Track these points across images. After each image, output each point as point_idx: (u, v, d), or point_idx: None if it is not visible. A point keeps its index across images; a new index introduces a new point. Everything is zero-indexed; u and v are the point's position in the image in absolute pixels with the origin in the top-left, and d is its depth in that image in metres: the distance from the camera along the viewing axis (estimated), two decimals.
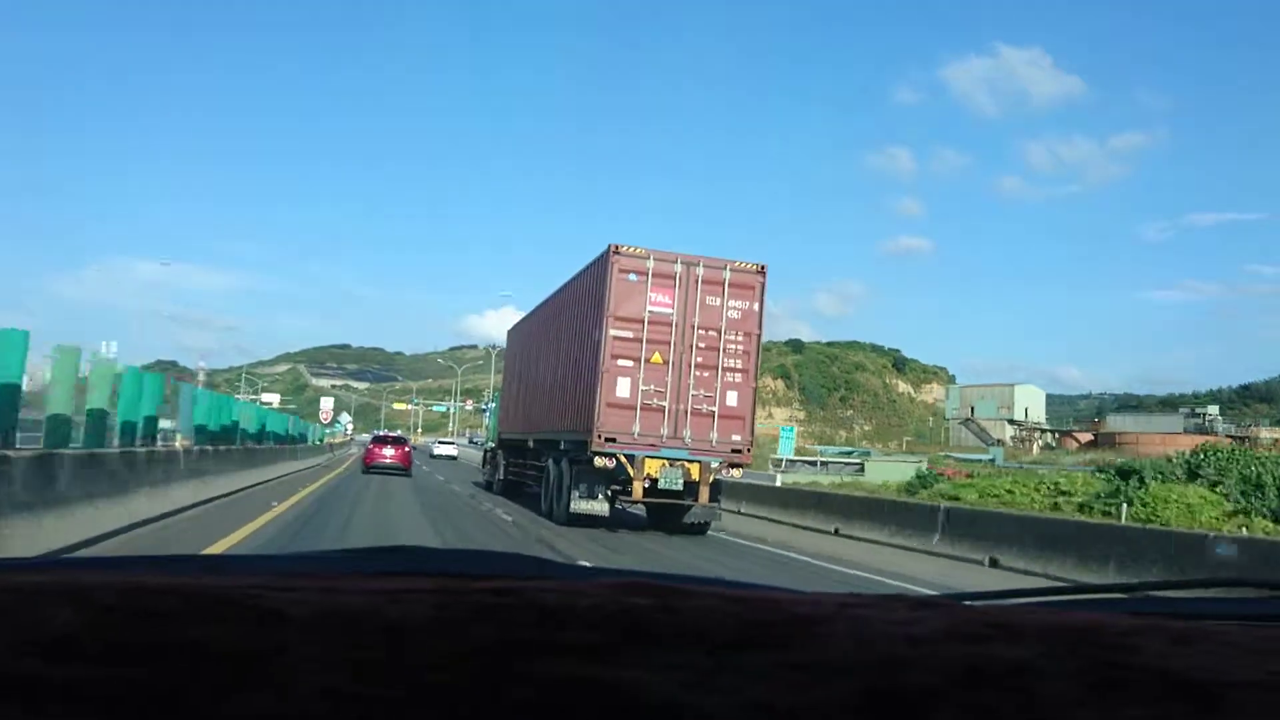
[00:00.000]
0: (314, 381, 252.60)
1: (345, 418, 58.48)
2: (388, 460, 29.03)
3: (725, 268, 14.56)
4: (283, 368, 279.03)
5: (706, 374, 14.37)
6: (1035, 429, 73.13)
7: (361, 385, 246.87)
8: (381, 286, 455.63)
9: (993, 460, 44.44)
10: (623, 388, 14.14)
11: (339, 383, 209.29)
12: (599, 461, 14.04)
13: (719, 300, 14.47)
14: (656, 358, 14.25)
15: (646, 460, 14.08)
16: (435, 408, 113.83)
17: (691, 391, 14.28)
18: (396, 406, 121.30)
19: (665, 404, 14.20)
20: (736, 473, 14.76)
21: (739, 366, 14.48)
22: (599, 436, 13.94)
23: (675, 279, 14.39)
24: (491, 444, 25.54)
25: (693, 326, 14.35)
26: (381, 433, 36.83)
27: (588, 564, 8.02)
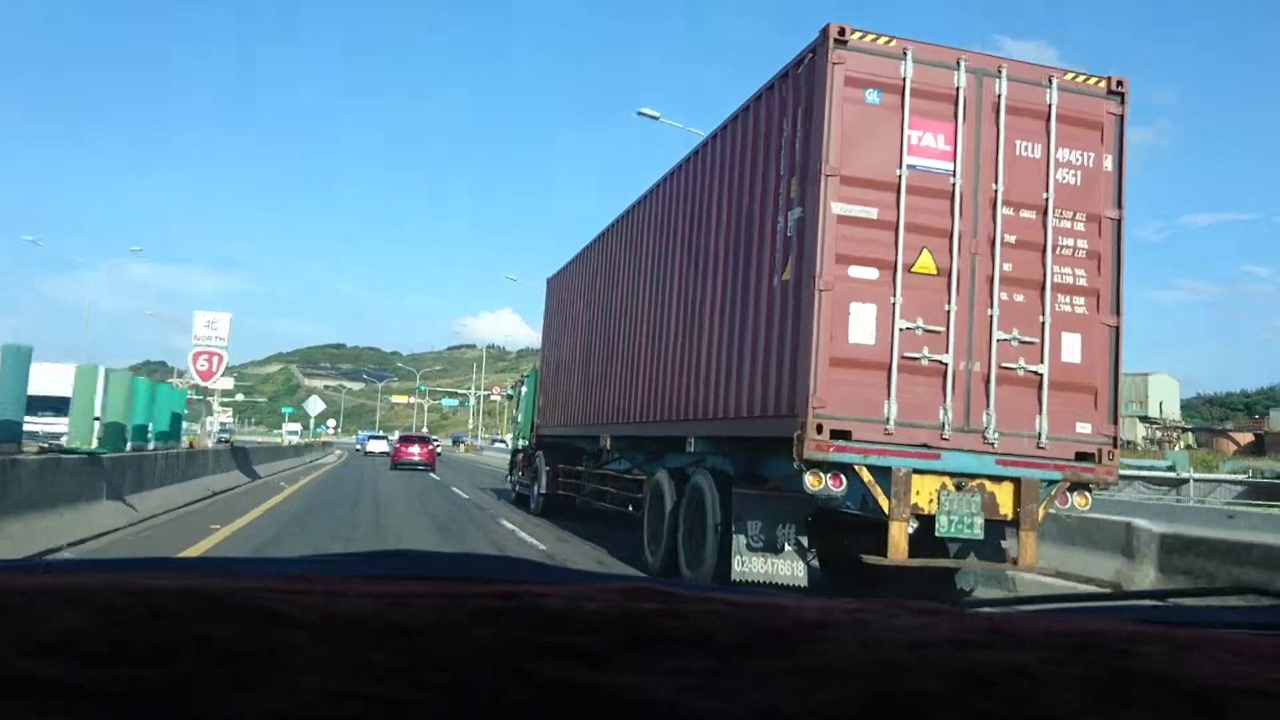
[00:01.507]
0: (306, 382, 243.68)
1: (315, 404, 44.71)
2: (415, 457, 31.68)
3: (1049, 83, 7.11)
4: (274, 368, 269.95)
5: (1022, 297, 6.95)
6: (1175, 427, 62.50)
7: (356, 385, 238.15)
8: (377, 289, 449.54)
9: (1171, 468, 31.00)
10: (861, 325, 6.68)
11: (332, 383, 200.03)
12: (813, 482, 6.59)
13: (1040, 148, 7.05)
14: (925, 262, 6.82)
15: (914, 478, 6.64)
16: (446, 402, 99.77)
17: (995, 333, 6.86)
18: (396, 400, 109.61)
19: (946, 359, 6.78)
20: (1082, 501, 7.28)
21: (1082, 283, 7.06)
22: (814, 426, 6.51)
23: (957, 102, 6.95)
24: (524, 443, 17.94)
25: (992, 200, 6.94)
26: (409, 433, 39.49)
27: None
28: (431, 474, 28.28)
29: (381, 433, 66.80)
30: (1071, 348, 6.96)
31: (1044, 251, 6.94)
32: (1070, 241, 7.01)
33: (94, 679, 0.48)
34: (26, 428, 11.93)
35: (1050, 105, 7.05)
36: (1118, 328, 7.09)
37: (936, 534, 6.69)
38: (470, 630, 0.61)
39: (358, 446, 63.93)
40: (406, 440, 34.16)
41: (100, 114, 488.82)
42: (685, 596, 0.74)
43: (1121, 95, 7.19)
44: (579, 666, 0.54)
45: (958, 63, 6.97)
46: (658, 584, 0.85)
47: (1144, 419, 59.55)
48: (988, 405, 6.78)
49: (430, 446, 33.55)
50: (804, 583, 7.49)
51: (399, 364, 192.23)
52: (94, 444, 12.89)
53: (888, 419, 6.61)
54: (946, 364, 6.73)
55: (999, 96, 6.99)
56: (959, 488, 6.71)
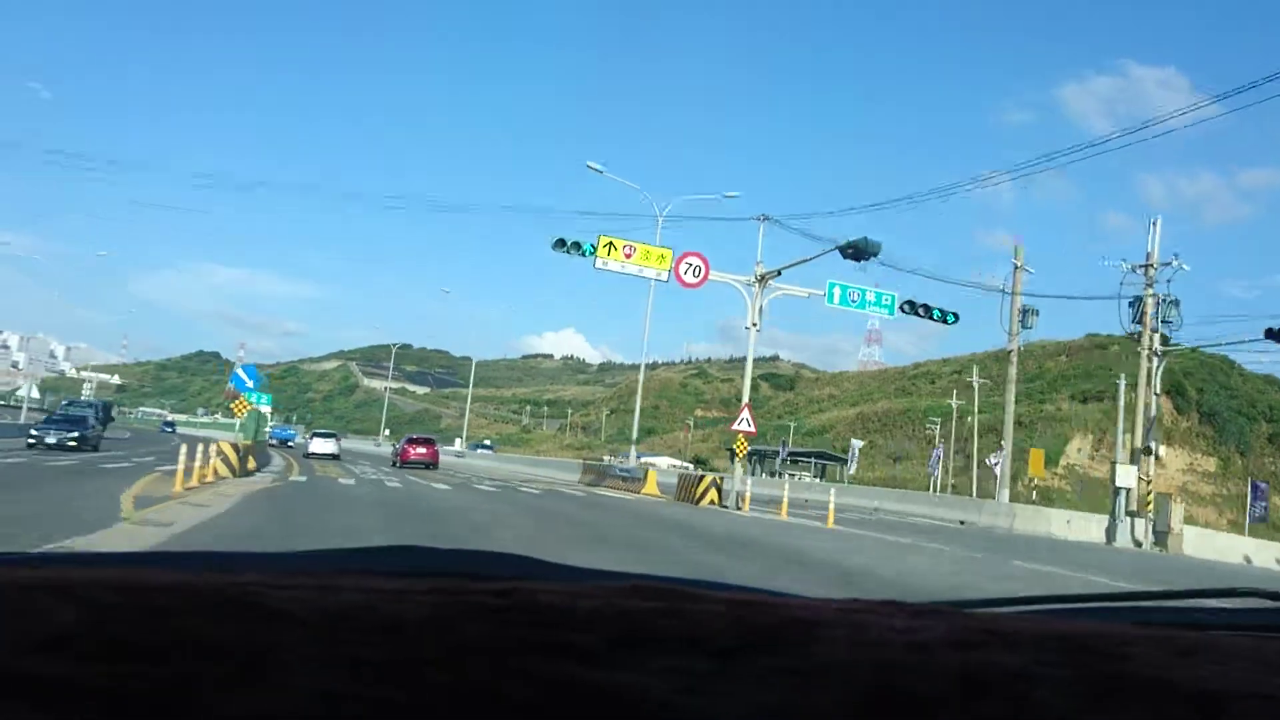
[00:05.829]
0: (366, 382, 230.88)
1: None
2: (416, 457, 36.47)
3: None
4: (332, 364, 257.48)
5: None
6: None
7: (420, 390, 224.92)
8: (448, 301, 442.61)
9: None
10: None
11: (395, 385, 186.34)
12: None
13: None
14: None
15: None
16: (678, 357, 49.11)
17: None
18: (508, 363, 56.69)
19: None
20: None
21: None
22: None
23: None
24: None
25: None
26: (415, 435, 42.33)
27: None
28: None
29: (329, 430, 50.62)
30: None
31: None
32: None
33: (88, 676, 0.48)
34: None
35: None
36: None
37: None
38: (466, 627, 0.61)
39: (273, 440, 48.93)
40: (412, 442, 38.23)
41: (189, 129, 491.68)
42: (682, 595, 0.73)
43: None
44: (575, 665, 0.53)
45: None
46: (655, 583, 0.83)
47: None
48: None
49: (434, 447, 37.73)
50: None
51: (467, 371, 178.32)
52: None
53: None
54: None
55: None
56: None
